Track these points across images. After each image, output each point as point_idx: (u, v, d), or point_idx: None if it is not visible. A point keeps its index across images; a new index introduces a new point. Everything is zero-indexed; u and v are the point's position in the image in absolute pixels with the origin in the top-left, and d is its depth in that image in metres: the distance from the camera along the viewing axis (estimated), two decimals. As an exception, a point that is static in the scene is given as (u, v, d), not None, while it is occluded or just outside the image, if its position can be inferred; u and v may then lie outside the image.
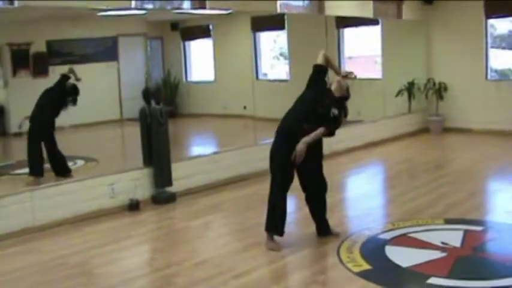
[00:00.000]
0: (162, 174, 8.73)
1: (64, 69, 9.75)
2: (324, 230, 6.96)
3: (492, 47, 14.47)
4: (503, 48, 15.06)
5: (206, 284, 5.65)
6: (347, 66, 15.29)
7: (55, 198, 7.85)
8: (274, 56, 16.79)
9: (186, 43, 16.51)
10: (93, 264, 6.40)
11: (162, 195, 8.71)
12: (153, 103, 8.68)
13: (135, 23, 13.35)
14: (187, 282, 5.71)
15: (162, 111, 8.70)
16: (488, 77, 14.32)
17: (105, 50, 13.39)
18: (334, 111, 6.70)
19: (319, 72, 6.99)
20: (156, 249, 7.06)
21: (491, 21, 14.23)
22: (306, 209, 8.08)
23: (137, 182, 8.60)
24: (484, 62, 14.21)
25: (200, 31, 16.25)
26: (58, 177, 8.95)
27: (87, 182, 8.28)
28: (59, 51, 11.20)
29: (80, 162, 10.07)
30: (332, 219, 7.30)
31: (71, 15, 9.95)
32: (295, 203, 9.10)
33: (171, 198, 8.75)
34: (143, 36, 14.51)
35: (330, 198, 7.71)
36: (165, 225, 7.85)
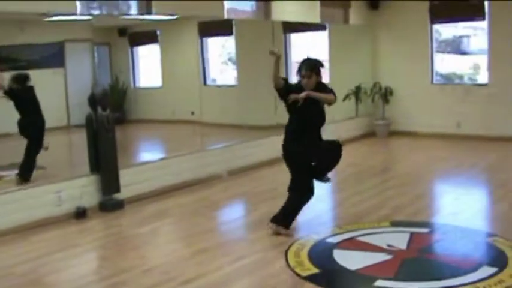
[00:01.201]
0: (109, 181, 8.67)
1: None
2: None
3: (437, 52, 14.68)
4: (449, 52, 15.28)
5: (154, 291, 5.63)
6: (294, 71, 15.36)
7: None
8: (223, 61, 16.79)
9: (134, 49, 16.43)
10: (40, 273, 6.30)
11: (110, 202, 8.64)
12: (99, 109, 8.61)
13: (81, 29, 13.22)
14: (136, 290, 5.69)
15: (109, 118, 8.64)
16: (434, 81, 14.52)
17: (52, 56, 13.25)
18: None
19: (282, 90, 7.13)
20: (104, 257, 7.01)
21: (436, 26, 14.44)
22: (256, 214, 8.15)
23: (84, 189, 8.51)
24: (430, 66, 14.41)
25: (148, 37, 16.18)
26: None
27: (33, 190, 8.17)
28: (6, 57, 11.06)
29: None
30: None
31: (17, 20, 9.84)
32: (244, 207, 9.15)
33: (118, 205, 8.69)
34: (90, 42, 14.40)
35: (277, 203, 7.76)
36: (113, 233, 7.79)
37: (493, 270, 5.80)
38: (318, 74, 7.25)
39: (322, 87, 7.26)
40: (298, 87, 7.15)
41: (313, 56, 7.53)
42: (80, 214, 8.29)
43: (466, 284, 5.48)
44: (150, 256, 6.83)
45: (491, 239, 6.78)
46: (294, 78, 14.78)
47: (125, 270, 6.22)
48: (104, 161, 8.64)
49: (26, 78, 9.38)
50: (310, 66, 7.21)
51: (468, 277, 5.63)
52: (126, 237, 7.65)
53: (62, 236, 7.63)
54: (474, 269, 5.85)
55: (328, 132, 12.89)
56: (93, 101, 8.69)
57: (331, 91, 7.34)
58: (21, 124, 9.07)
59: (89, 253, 7.11)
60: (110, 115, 8.72)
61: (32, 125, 9.09)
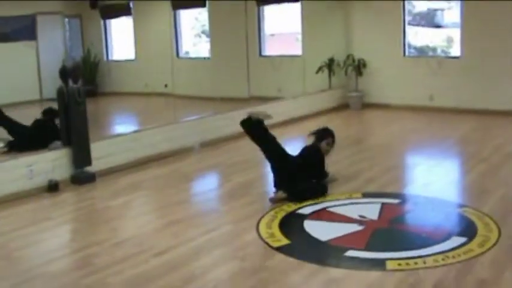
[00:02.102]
0: (80, 153, 8.63)
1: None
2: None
3: (411, 24, 14.69)
4: (423, 25, 15.31)
5: (126, 263, 5.62)
6: (268, 44, 15.37)
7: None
8: (195, 34, 16.72)
9: (107, 21, 16.32)
10: (12, 248, 6.28)
11: (82, 175, 8.61)
12: (70, 82, 8.54)
13: (53, 1, 13.14)
14: (108, 262, 5.68)
15: (80, 90, 8.58)
16: (406, 53, 14.54)
17: (23, 29, 13.14)
18: None
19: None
20: (76, 230, 7.01)
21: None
22: (228, 185, 8.18)
23: (56, 162, 8.47)
24: (402, 39, 14.41)
25: (120, 9, 16.08)
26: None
27: (3, 164, 8.12)
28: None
29: None
30: (251, 196, 7.42)
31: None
32: (216, 179, 9.17)
33: (90, 178, 8.66)
34: (61, 14, 14.28)
35: (249, 174, 7.80)
36: (85, 206, 7.78)
37: (462, 240, 5.88)
38: None
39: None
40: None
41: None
42: (52, 187, 8.26)
43: (436, 253, 5.54)
44: (122, 228, 6.83)
45: (461, 210, 6.85)
46: (267, 51, 14.85)
47: (96, 243, 6.21)
48: (76, 134, 8.59)
49: None
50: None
51: (438, 247, 5.70)
52: (98, 210, 7.64)
53: (33, 209, 7.60)
54: (444, 239, 5.92)
55: (302, 105, 13.01)
56: (64, 73, 8.61)
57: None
58: None
59: (60, 226, 7.09)
60: (82, 88, 8.65)
61: None
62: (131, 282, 5.25)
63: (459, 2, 13.57)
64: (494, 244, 5.76)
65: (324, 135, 8.04)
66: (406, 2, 14.30)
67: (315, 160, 7.86)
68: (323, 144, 7.95)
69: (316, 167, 7.85)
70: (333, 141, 8.06)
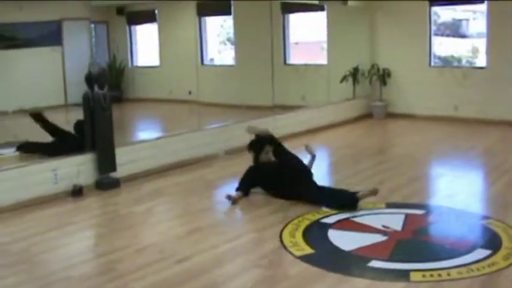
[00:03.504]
0: (105, 159, 8.66)
1: (6, 54, 9.64)
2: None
3: (436, 35, 14.64)
4: (447, 35, 15.25)
5: (149, 269, 5.63)
6: (292, 52, 15.37)
7: (-4, 185, 7.74)
8: (221, 41, 16.75)
9: (132, 28, 16.40)
10: (34, 251, 6.31)
11: (106, 181, 8.64)
12: (96, 88, 8.58)
13: (79, 7, 13.21)
14: (130, 268, 5.69)
15: (106, 96, 8.61)
16: (432, 63, 14.48)
17: (50, 34, 13.22)
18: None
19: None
20: (99, 235, 7.02)
21: (435, 8, 14.39)
22: (252, 193, 8.18)
23: (81, 167, 8.51)
24: (428, 48, 14.36)
25: (146, 16, 16.15)
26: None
27: (29, 168, 8.16)
28: (4, 36, 11.05)
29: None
30: (274, 204, 7.40)
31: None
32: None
33: (114, 184, 8.69)
34: (87, 20, 14.36)
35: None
36: (109, 211, 7.80)
37: (487, 252, 5.82)
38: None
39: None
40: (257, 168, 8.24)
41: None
42: (76, 192, 8.29)
43: (460, 265, 5.50)
44: (145, 235, 6.85)
45: (485, 222, 6.80)
46: (291, 60, 14.85)
47: (119, 249, 6.22)
48: (101, 140, 8.62)
49: None
50: (269, 140, 8.27)
51: (462, 259, 5.66)
52: (122, 216, 7.66)
53: (57, 214, 7.63)
54: (468, 251, 5.88)
55: (326, 114, 12.98)
56: (90, 79, 8.65)
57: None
58: None
59: (83, 231, 7.11)
60: (107, 94, 8.69)
61: None
62: (153, 288, 5.26)
63: (485, 12, 13.49)
64: (519, 257, 5.71)
65: (258, 147, 8.23)
66: (432, 12, 14.24)
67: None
68: (263, 156, 8.14)
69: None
70: (271, 142, 8.19)
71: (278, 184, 7.80)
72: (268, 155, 8.02)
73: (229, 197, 7.71)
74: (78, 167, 8.45)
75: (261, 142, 8.14)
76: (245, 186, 8.06)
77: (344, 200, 7.38)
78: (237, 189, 8.01)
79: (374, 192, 7.50)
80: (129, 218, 7.52)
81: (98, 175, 8.66)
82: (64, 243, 6.60)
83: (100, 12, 15.31)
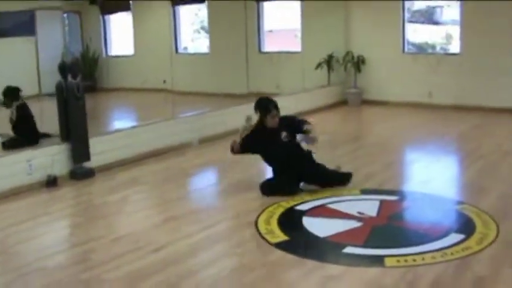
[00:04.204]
0: (79, 149, 8.61)
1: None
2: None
3: (410, 22, 14.68)
4: (422, 22, 15.31)
5: (124, 259, 5.61)
6: (267, 40, 15.37)
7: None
8: (195, 29, 16.73)
9: (106, 17, 16.33)
10: (9, 243, 6.27)
11: (80, 171, 8.59)
12: (69, 77, 8.52)
13: (52, -3, 13.15)
14: (105, 258, 5.66)
15: (79, 86, 8.55)
16: (406, 50, 14.53)
17: (23, 24, 13.15)
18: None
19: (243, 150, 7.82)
20: (74, 225, 6.99)
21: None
22: (226, 181, 8.18)
23: (55, 157, 8.45)
24: (401, 35, 14.40)
25: (119, 5, 16.11)
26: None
27: (3, 159, 8.12)
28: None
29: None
30: (249, 192, 7.40)
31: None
32: (214, 176, 9.17)
33: (89, 174, 8.64)
34: (60, 10, 14.28)
35: (248, 171, 7.77)
36: (83, 201, 7.77)
37: (460, 237, 5.87)
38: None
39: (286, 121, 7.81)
40: (260, 129, 7.71)
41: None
42: (51, 182, 8.24)
43: (434, 250, 5.54)
44: (120, 224, 6.83)
45: (459, 207, 6.85)
46: (266, 48, 14.84)
47: (94, 239, 6.20)
48: (74, 129, 8.57)
49: None
50: (277, 106, 7.73)
51: (436, 244, 5.70)
52: (96, 206, 7.63)
53: (32, 204, 7.60)
54: (442, 236, 5.92)
55: (300, 101, 12.99)
56: (63, 69, 8.59)
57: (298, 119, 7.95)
58: None
59: (58, 221, 7.08)
60: (81, 83, 8.63)
61: None
62: (128, 278, 5.23)
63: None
64: (493, 241, 5.75)
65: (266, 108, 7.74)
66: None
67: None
68: (268, 120, 7.67)
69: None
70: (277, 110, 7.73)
71: (282, 156, 7.62)
72: (274, 120, 7.64)
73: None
74: (52, 157, 8.38)
75: (269, 104, 7.73)
76: (244, 147, 7.76)
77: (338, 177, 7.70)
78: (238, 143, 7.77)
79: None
80: (104, 207, 7.49)
81: (72, 165, 8.61)
82: (39, 233, 6.56)
83: (73, 2, 15.23)
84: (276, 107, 7.66)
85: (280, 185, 7.45)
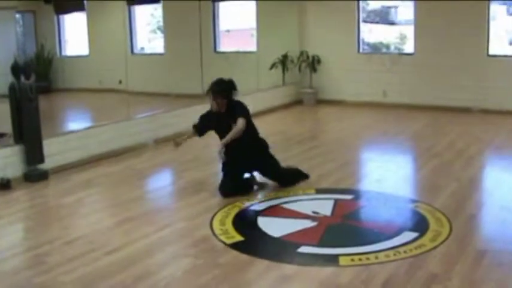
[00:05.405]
0: (33, 151, 8.52)
1: None
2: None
3: (365, 22, 14.79)
4: (377, 22, 15.43)
5: (78, 261, 5.58)
6: (223, 39, 15.36)
7: None
8: (151, 30, 16.68)
9: (60, 17, 16.19)
10: (-39, 247, 6.21)
11: (34, 173, 8.50)
12: (22, 78, 8.43)
13: (5, -4, 12.99)
14: (60, 261, 5.62)
15: (32, 87, 8.47)
16: (360, 50, 14.63)
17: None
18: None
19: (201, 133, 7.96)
20: (28, 229, 6.91)
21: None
22: (181, 182, 8.18)
23: (8, 160, 8.35)
24: (356, 35, 14.50)
25: (74, 5, 15.98)
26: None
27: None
28: None
29: None
30: (205, 192, 7.41)
31: None
32: (170, 176, 9.15)
33: (43, 176, 8.55)
34: (14, 9, 14.13)
35: (203, 171, 7.78)
36: (37, 204, 7.69)
37: (414, 235, 5.95)
38: (230, 96, 7.55)
39: (233, 109, 7.52)
40: (211, 113, 7.67)
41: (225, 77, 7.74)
42: (4, 185, 8.13)
43: (388, 248, 5.61)
44: (75, 226, 6.77)
45: (413, 205, 6.94)
46: (222, 48, 14.83)
47: (48, 241, 6.15)
48: (28, 131, 8.48)
49: None
50: (220, 91, 7.51)
51: (390, 242, 5.78)
52: (51, 208, 7.57)
53: (-15, 207, 7.50)
54: (396, 234, 5.99)
55: (255, 101, 13.01)
56: (16, 69, 8.50)
57: (241, 112, 7.50)
58: None
59: (12, 225, 6.98)
60: (34, 84, 8.54)
61: None
62: (83, 280, 5.20)
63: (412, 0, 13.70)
64: (446, 239, 5.84)
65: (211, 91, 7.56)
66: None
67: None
68: (213, 104, 7.58)
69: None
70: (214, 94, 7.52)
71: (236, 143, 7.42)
72: (213, 104, 7.50)
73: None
74: (4, 160, 8.29)
75: (209, 86, 7.57)
76: (201, 127, 7.82)
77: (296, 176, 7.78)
78: (193, 126, 7.85)
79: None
80: (58, 210, 7.43)
81: (26, 167, 8.52)
82: (-8, 237, 6.50)
83: (27, 1, 15.08)
84: (214, 91, 7.51)
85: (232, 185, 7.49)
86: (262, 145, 7.79)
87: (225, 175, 7.59)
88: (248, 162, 7.64)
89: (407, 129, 11.66)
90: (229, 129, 7.31)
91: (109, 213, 7.24)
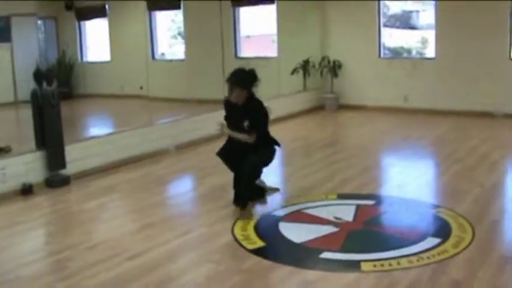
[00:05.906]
0: (55, 156, 8.56)
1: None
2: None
3: (386, 26, 14.75)
4: (397, 27, 15.38)
5: (100, 267, 5.58)
6: (243, 46, 15.37)
7: None
8: (172, 35, 16.71)
9: (82, 23, 16.28)
10: (-16, 252, 6.24)
11: (56, 179, 8.54)
12: (44, 84, 8.47)
13: (28, 3, 13.06)
14: (82, 266, 5.63)
15: (54, 93, 8.51)
16: (381, 55, 14.59)
17: (-2, 31, 13.07)
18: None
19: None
20: (50, 234, 6.94)
21: (384, 1, 14.50)
22: (202, 188, 8.17)
23: (30, 165, 8.39)
24: (377, 40, 14.46)
25: (95, 11, 16.07)
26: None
27: (-24, 167, 8.06)
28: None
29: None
30: (226, 198, 7.39)
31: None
32: (191, 182, 9.15)
33: (64, 181, 8.59)
34: (36, 16, 14.22)
35: (224, 177, 7.76)
36: (59, 209, 7.72)
37: (437, 240, 5.89)
38: (250, 88, 6.96)
39: (251, 106, 7.00)
40: (228, 101, 7.08)
41: (247, 67, 7.17)
42: (26, 191, 8.18)
43: (410, 254, 5.56)
44: (96, 232, 6.79)
45: (435, 210, 6.88)
46: (243, 53, 14.84)
47: (70, 247, 6.16)
48: (50, 137, 8.52)
49: None
50: (239, 82, 6.94)
51: (413, 248, 5.72)
52: (72, 213, 7.59)
53: (7, 213, 7.52)
54: (419, 240, 5.93)
55: (276, 106, 13.00)
56: (38, 76, 8.57)
57: (258, 122, 7.02)
58: None
59: (34, 230, 7.02)
60: (56, 90, 8.59)
61: None
62: (105, 285, 5.21)
63: (433, 4, 13.63)
64: (469, 245, 5.78)
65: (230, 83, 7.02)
66: (381, 4, 14.34)
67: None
68: (232, 96, 6.99)
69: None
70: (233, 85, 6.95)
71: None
72: (231, 94, 6.90)
73: (222, 131, 7.04)
74: (26, 165, 8.32)
75: (229, 76, 7.01)
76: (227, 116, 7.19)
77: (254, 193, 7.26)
78: (225, 118, 7.19)
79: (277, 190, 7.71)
80: (80, 215, 7.46)
81: (48, 173, 8.56)
82: (14, 242, 6.51)
83: (49, 8, 15.18)
84: (232, 81, 6.94)
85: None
86: (262, 145, 7.17)
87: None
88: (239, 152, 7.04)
89: (429, 134, 11.60)
90: (240, 124, 6.88)
91: (130, 218, 7.26)
